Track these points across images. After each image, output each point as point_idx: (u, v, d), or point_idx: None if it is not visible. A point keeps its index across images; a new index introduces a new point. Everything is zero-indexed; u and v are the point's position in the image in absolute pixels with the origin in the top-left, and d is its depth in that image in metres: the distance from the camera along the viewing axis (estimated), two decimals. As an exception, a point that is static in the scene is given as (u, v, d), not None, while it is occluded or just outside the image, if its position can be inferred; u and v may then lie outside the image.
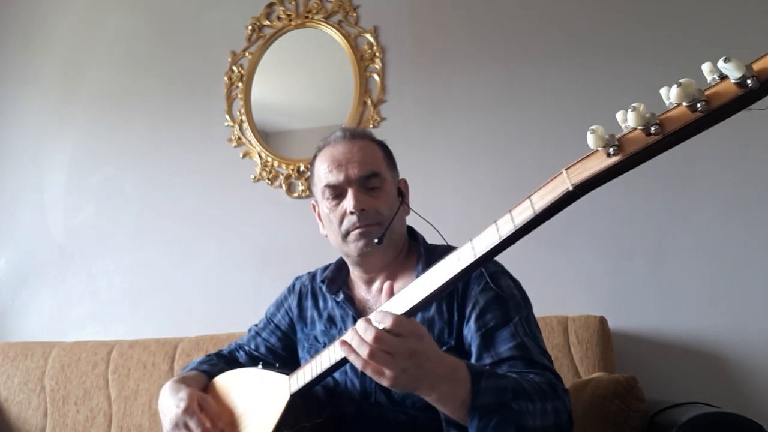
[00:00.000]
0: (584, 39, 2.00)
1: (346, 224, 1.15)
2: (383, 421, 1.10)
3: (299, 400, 1.06)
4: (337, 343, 0.97)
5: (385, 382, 0.81)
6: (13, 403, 2.06)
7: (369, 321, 0.82)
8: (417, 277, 1.09)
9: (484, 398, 0.84)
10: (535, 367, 0.98)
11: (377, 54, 2.20)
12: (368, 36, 2.22)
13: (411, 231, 1.26)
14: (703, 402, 1.39)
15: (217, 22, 2.43)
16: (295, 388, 1.05)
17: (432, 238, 1.24)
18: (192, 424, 1.10)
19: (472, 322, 1.05)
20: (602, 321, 1.70)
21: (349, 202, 1.13)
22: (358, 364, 0.82)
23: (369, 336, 0.80)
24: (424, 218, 1.21)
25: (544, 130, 1.99)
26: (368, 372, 0.81)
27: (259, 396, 1.13)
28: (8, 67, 2.71)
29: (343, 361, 0.97)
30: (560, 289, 1.85)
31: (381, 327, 0.81)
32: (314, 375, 1.01)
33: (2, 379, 2.10)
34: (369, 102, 2.18)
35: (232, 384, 1.21)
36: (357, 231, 1.13)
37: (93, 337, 2.26)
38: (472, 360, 1.03)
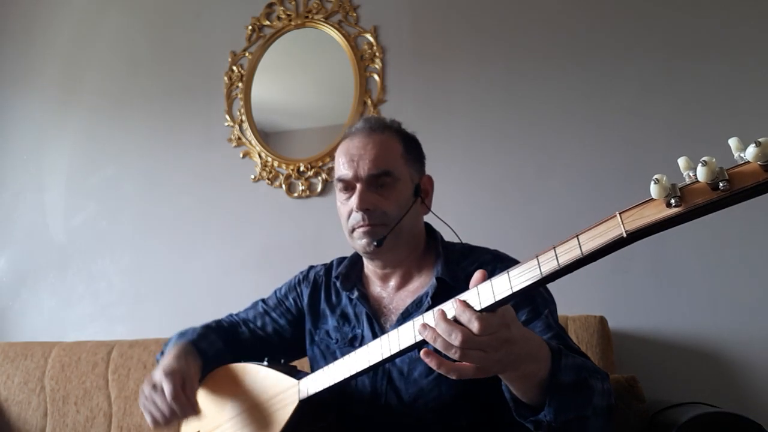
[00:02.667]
0: (584, 38, 2.00)
1: (352, 221, 1.14)
2: (393, 423, 1.09)
3: (307, 405, 1.05)
4: (354, 354, 0.95)
5: (479, 375, 0.76)
6: (13, 403, 2.06)
7: (451, 322, 0.75)
8: (437, 273, 1.11)
9: (564, 376, 0.81)
10: (575, 353, 0.96)
11: (377, 54, 2.20)
12: (368, 36, 2.22)
13: (429, 229, 1.25)
14: (703, 402, 1.39)
15: (217, 22, 2.43)
16: (305, 395, 1.04)
17: (447, 236, 1.24)
18: (166, 388, 1.07)
19: None
20: (602, 321, 1.70)
21: (354, 200, 1.13)
22: (456, 356, 0.76)
23: (457, 340, 0.73)
24: (443, 220, 1.22)
25: (544, 130, 1.99)
26: (461, 375, 0.77)
27: (264, 397, 1.11)
28: (8, 67, 2.71)
29: (360, 374, 0.95)
30: (560, 289, 1.85)
31: (468, 327, 0.74)
32: (326, 385, 1.00)
33: (2, 379, 2.10)
34: (369, 102, 2.18)
35: (236, 378, 1.19)
36: (361, 229, 1.13)
37: (93, 337, 2.26)
38: None
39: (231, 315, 1.39)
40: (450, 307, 0.78)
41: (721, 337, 1.77)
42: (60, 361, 2.06)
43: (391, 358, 0.90)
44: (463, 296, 0.78)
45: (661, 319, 1.81)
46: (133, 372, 1.97)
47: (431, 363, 0.76)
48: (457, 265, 1.13)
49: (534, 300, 1.06)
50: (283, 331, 1.30)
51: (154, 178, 2.42)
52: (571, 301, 1.81)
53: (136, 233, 2.41)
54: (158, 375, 1.10)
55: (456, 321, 0.76)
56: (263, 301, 1.36)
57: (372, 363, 0.92)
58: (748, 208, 1.92)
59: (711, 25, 1.89)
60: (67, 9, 2.66)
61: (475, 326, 0.73)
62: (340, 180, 1.16)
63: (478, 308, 0.75)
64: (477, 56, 2.10)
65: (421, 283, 1.16)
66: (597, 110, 1.95)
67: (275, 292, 1.36)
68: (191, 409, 1.09)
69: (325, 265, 1.33)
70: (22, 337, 2.42)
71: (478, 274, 0.79)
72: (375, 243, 1.11)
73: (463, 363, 0.76)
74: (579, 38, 2.01)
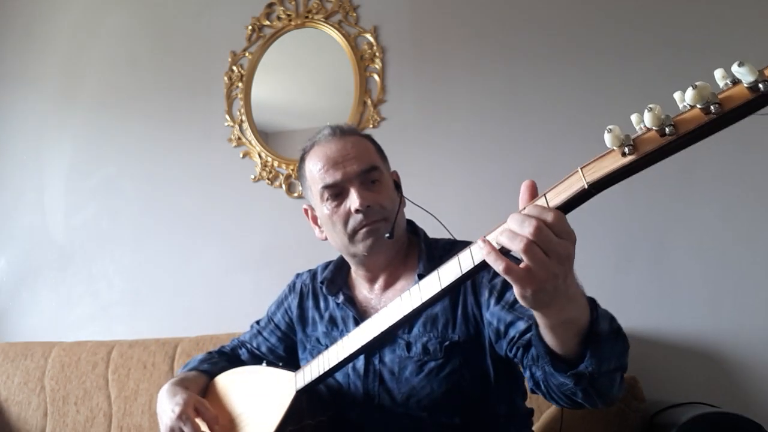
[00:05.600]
0: (585, 39, 2.00)
1: (352, 224, 1.10)
2: (387, 424, 1.09)
3: (304, 398, 1.06)
4: (346, 339, 0.97)
5: (528, 288, 0.69)
6: (13, 403, 2.06)
7: (524, 215, 0.69)
8: (419, 271, 1.10)
9: (602, 324, 0.78)
10: None
11: (377, 54, 2.20)
12: (368, 36, 2.22)
13: (411, 225, 1.24)
14: (703, 402, 1.39)
15: (217, 22, 2.43)
16: (301, 384, 1.05)
17: (432, 226, 1.22)
18: (186, 429, 1.10)
19: (492, 306, 1.03)
20: (602, 321, 1.70)
21: (353, 201, 1.09)
22: (517, 246, 0.68)
23: (527, 228, 0.67)
24: (423, 207, 1.17)
25: (544, 130, 1.99)
26: (511, 276, 0.69)
27: (262, 393, 1.13)
28: (8, 67, 2.71)
29: (349, 359, 0.97)
30: (560, 289, 1.85)
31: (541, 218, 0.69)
32: (321, 372, 1.01)
33: (2, 379, 2.10)
34: (369, 102, 2.18)
35: (234, 381, 1.21)
36: (365, 229, 1.10)
37: (93, 337, 2.26)
38: (504, 332, 1.00)
39: (233, 340, 1.42)
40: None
41: (721, 337, 1.77)
42: (60, 361, 2.06)
43: (387, 332, 0.91)
44: (442, 268, 0.84)
45: (661, 319, 1.81)
46: (133, 372, 1.97)
47: (485, 247, 0.71)
48: (440, 260, 1.11)
49: None
50: (276, 348, 1.33)
51: (154, 178, 2.42)
52: (571, 301, 1.82)
53: (136, 233, 2.41)
54: (170, 420, 1.12)
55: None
56: (257, 322, 1.39)
57: (366, 341, 0.94)
58: (748, 208, 1.93)
59: (712, 25, 1.89)
60: (67, 9, 2.66)
61: (549, 216, 0.68)
62: (328, 187, 1.11)
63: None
64: (477, 56, 2.10)
65: (407, 282, 1.15)
66: (597, 109, 1.95)
67: (267, 311, 1.38)
68: (217, 425, 1.13)
69: (310, 271, 1.33)
70: (22, 337, 2.42)
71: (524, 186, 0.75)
72: (387, 235, 1.08)
73: (519, 266, 0.69)
74: (579, 38, 2.01)
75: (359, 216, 1.09)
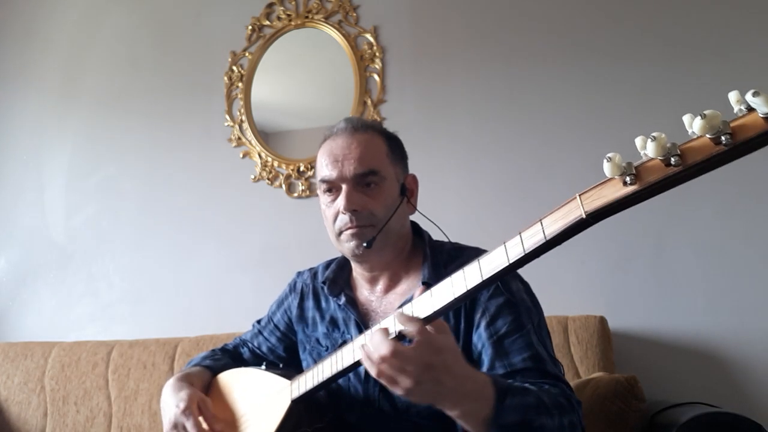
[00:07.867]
0: (585, 39, 2.00)
1: (339, 223, 1.11)
2: (389, 427, 1.08)
3: (301, 405, 1.05)
4: (341, 351, 0.96)
5: (398, 392, 0.79)
6: (13, 403, 2.06)
7: (385, 331, 0.82)
8: (423, 278, 1.09)
9: (508, 417, 0.82)
10: (548, 378, 0.96)
11: (377, 54, 2.20)
12: (368, 36, 2.22)
13: (416, 228, 1.23)
14: (703, 402, 1.39)
15: (217, 22, 2.43)
16: (296, 394, 1.04)
17: (436, 236, 1.22)
18: (189, 425, 1.10)
19: (482, 330, 1.02)
20: (602, 321, 1.70)
21: (341, 202, 1.09)
22: (373, 372, 0.81)
23: (383, 349, 0.79)
24: (430, 219, 1.19)
25: (544, 130, 1.99)
26: (382, 380, 0.80)
27: (260, 399, 1.12)
28: (8, 67, 2.71)
29: (347, 370, 0.96)
30: (560, 289, 1.85)
31: (398, 330, 0.81)
32: (316, 383, 1.00)
33: (2, 379, 2.10)
34: (369, 102, 2.18)
35: (234, 384, 1.21)
36: (349, 231, 1.10)
37: (93, 337, 2.26)
38: (484, 369, 1.01)
39: (235, 338, 1.42)
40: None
41: (721, 337, 1.77)
42: (60, 361, 2.06)
43: None
44: (436, 287, 0.83)
45: (661, 319, 1.81)
46: (133, 372, 1.97)
47: (362, 355, 0.83)
48: (444, 269, 1.10)
49: (517, 309, 1.03)
50: (276, 348, 1.32)
51: (154, 178, 2.42)
52: (571, 301, 1.82)
53: (136, 233, 2.41)
54: (174, 415, 1.12)
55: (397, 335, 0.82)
56: (258, 321, 1.38)
57: (357, 358, 0.92)
58: (748, 207, 1.93)
59: (711, 26, 1.89)
60: (67, 9, 2.66)
61: (411, 327, 0.79)
62: (324, 181, 1.12)
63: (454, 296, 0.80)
64: (477, 56, 2.10)
65: (409, 286, 1.14)
66: (597, 109, 1.95)
67: (268, 309, 1.37)
68: (218, 423, 1.14)
69: (311, 270, 1.32)
70: (22, 337, 2.42)
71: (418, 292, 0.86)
72: (364, 244, 1.08)
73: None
74: (579, 38, 2.01)
75: (345, 217, 1.10)
